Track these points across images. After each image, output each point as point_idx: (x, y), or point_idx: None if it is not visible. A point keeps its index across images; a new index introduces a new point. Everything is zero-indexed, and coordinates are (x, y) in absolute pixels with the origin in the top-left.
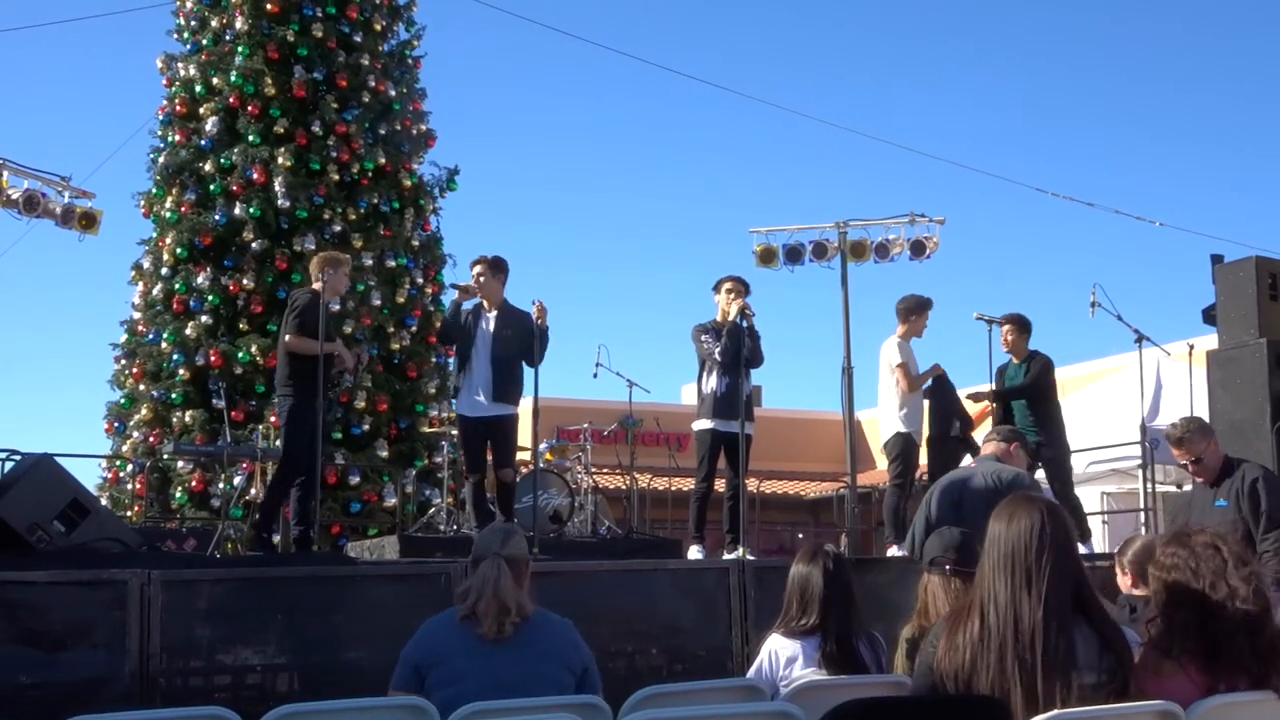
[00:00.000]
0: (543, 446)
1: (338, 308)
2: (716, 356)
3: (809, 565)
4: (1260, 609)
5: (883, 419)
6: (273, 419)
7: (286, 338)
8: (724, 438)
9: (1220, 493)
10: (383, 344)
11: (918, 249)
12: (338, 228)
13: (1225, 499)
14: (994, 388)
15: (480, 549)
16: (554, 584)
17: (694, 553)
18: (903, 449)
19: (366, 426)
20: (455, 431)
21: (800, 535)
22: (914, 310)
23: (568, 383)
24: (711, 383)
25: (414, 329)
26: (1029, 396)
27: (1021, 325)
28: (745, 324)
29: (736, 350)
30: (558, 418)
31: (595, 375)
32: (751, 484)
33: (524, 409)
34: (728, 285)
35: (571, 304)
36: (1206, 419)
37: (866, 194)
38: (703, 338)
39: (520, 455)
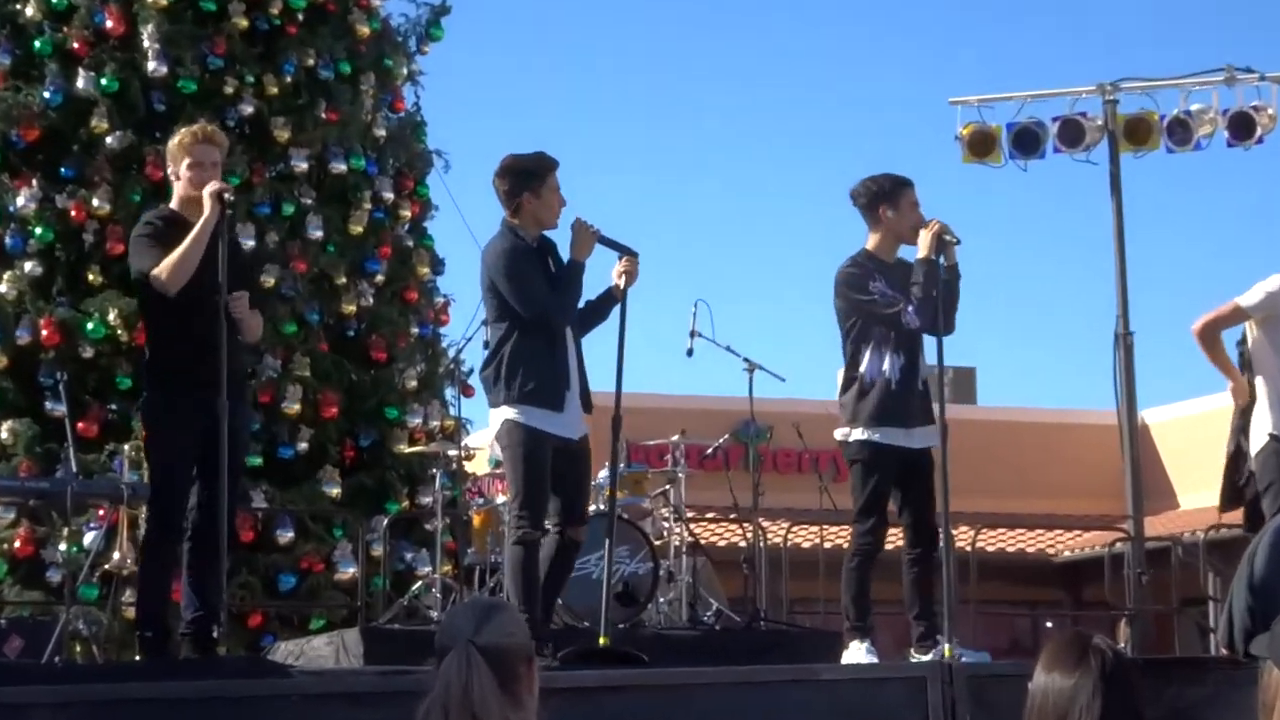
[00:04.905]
0: (602, 476)
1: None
2: (886, 311)
3: (1068, 673)
4: None
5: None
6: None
7: (157, 270)
8: (898, 458)
9: None
10: (328, 304)
11: (1241, 126)
12: (248, 108)
13: None
14: None
15: (444, 637)
16: (624, 703)
17: (857, 653)
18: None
19: (304, 445)
20: (497, 450)
21: (1049, 623)
22: None
23: (644, 366)
24: (875, 363)
25: (380, 277)
26: None
27: None
28: (944, 259)
29: (933, 304)
30: (628, 424)
31: (690, 352)
32: (960, 536)
33: None
34: (910, 194)
35: (649, 231)
36: None
37: (1149, 40)
38: (871, 285)
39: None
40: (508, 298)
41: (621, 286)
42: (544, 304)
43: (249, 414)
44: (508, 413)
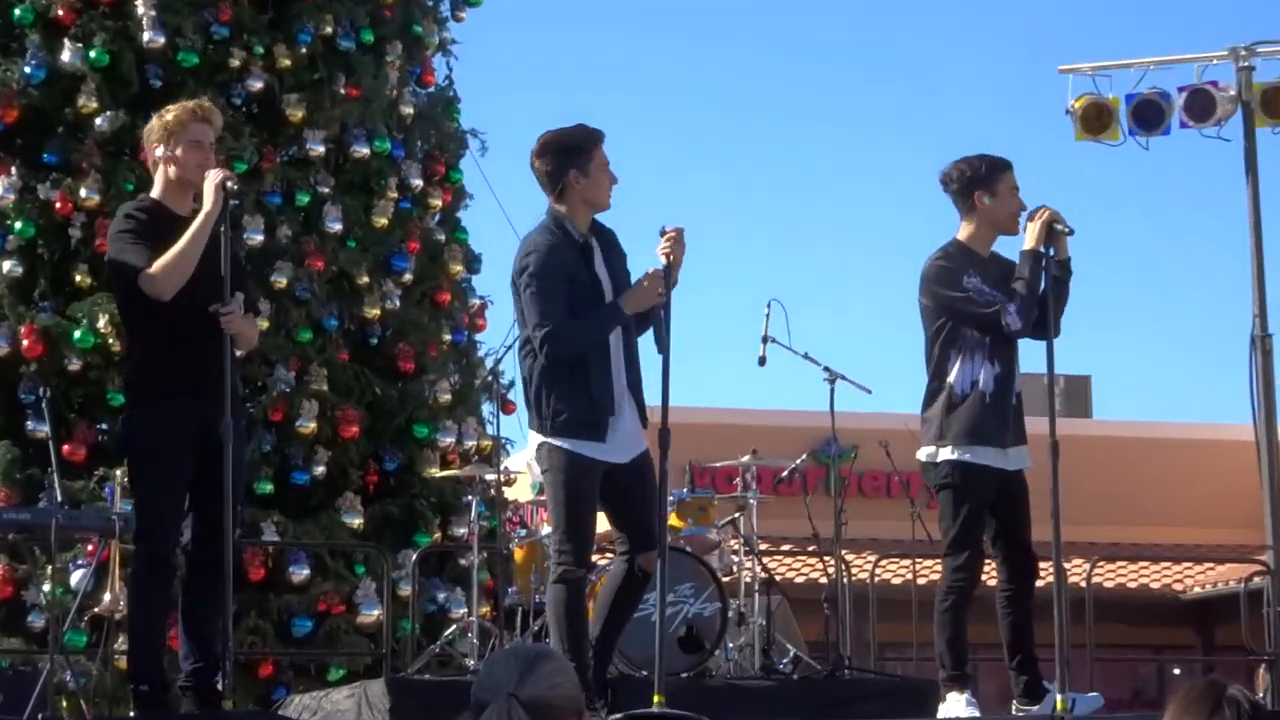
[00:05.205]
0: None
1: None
2: (983, 311)
3: None
4: None
5: None
6: None
7: (150, 270)
8: (993, 481)
9: None
10: (348, 307)
11: None
12: (257, 83)
13: None
14: None
15: (482, 689)
16: None
17: (956, 706)
18: None
19: (321, 469)
20: (537, 473)
21: (1176, 670)
22: None
23: (710, 377)
24: (967, 371)
25: (407, 277)
26: None
27: None
28: (1053, 251)
29: (1039, 303)
30: (692, 443)
31: (763, 360)
32: (1074, 570)
33: None
34: (1009, 178)
35: (714, 222)
36: None
37: None
38: (964, 281)
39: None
40: (523, 304)
41: (670, 265)
42: (555, 326)
43: (249, 429)
44: (543, 437)
